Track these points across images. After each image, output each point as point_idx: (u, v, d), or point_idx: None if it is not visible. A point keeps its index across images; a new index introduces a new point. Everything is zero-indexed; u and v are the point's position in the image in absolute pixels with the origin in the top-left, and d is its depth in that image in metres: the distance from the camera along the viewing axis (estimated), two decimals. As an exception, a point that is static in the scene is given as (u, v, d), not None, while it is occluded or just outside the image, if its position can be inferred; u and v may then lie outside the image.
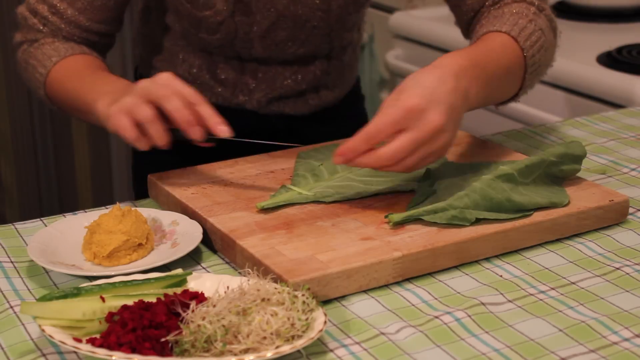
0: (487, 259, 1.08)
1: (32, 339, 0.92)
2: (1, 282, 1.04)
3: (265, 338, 0.86)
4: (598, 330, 0.93)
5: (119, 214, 1.06)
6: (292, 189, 1.17)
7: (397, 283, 1.03)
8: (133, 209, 1.08)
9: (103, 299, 0.91)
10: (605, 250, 1.10)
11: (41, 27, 1.35)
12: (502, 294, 1.00)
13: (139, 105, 1.12)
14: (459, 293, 1.00)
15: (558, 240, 1.12)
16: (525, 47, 1.25)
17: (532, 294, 1.00)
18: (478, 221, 1.09)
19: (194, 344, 0.86)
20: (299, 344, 0.86)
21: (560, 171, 1.19)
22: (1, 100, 2.63)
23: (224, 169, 1.26)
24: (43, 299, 0.91)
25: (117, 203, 1.10)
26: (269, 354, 0.85)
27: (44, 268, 1.06)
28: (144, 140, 1.13)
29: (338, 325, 0.94)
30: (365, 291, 1.01)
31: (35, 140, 2.70)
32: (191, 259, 1.08)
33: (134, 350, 0.85)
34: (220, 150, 1.24)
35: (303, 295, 0.91)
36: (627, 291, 1.01)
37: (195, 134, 1.13)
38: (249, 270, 0.96)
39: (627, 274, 1.04)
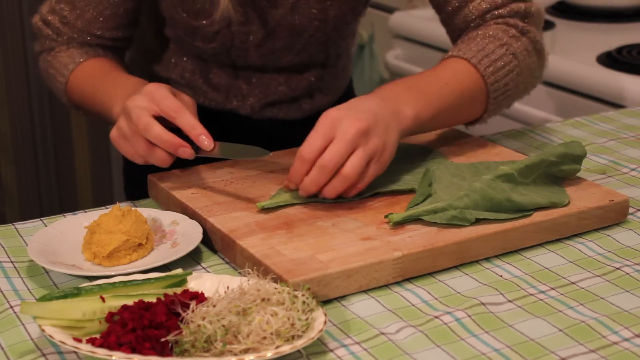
0: (487, 259, 1.08)
1: (32, 339, 0.92)
2: (1, 282, 1.04)
3: (265, 338, 0.86)
4: (598, 330, 0.93)
5: (119, 214, 1.06)
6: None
7: (397, 283, 1.03)
8: (133, 209, 1.08)
9: (103, 299, 0.91)
10: (605, 250, 1.10)
11: (55, 37, 1.37)
12: (502, 294, 1.00)
13: (134, 139, 1.14)
14: (459, 293, 1.01)
15: (558, 240, 1.12)
16: (486, 74, 1.27)
17: (532, 294, 1.00)
18: (478, 221, 1.09)
19: (194, 344, 0.86)
20: (299, 344, 0.86)
21: (560, 171, 1.19)
22: (1, 100, 2.63)
23: (224, 169, 1.26)
24: (43, 299, 0.91)
25: (117, 203, 1.11)
26: (269, 354, 0.85)
27: (44, 268, 1.06)
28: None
29: (338, 325, 0.94)
30: (365, 291, 1.01)
31: (35, 140, 2.70)
32: (191, 259, 1.08)
33: (134, 350, 0.85)
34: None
35: (303, 295, 0.91)
36: (627, 291, 1.01)
37: (184, 154, 1.14)
38: (249, 270, 0.96)
39: (627, 274, 1.04)
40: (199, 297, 0.92)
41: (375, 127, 1.12)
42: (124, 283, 0.96)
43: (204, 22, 1.34)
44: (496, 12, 1.33)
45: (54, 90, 1.40)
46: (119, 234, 1.04)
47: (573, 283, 1.02)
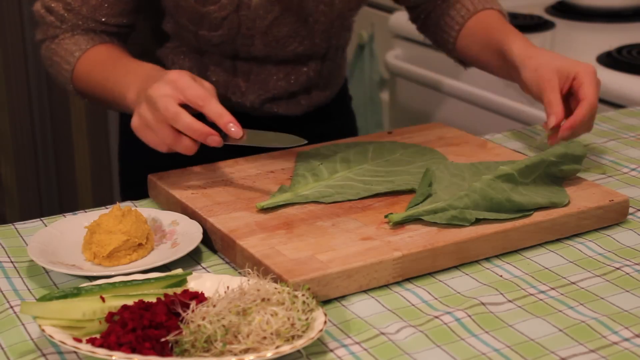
0: (487, 259, 1.08)
1: (32, 339, 0.92)
2: (1, 282, 1.04)
3: (265, 338, 0.86)
4: (598, 330, 0.93)
5: (119, 214, 1.06)
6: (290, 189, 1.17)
7: (397, 283, 1.03)
8: (133, 209, 1.08)
9: (103, 299, 0.91)
10: (605, 250, 1.10)
11: (59, 24, 1.35)
12: (502, 294, 1.00)
13: (159, 128, 1.13)
14: (459, 293, 1.00)
15: (558, 240, 1.12)
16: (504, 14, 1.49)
17: (532, 294, 1.00)
18: (478, 221, 1.09)
19: (194, 344, 0.86)
20: (299, 344, 0.86)
21: (560, 171, 1.19)
22: (1, 100, 2.63)
23: (224, 169, 1.26)
24: (43, 299, 0.91)
25: (117, 203, 1.11)
26: (269, 354, 0.85)
27: (44, 268, 1.06)
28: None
29: (338, 325, 0.94)
30: (365, 291, 1.01)
31: (35, 140, 2.70)
32: (191, 259, 1.08)
33: (134, 350, 0.85)
34: (220, 150, 1.24)
35: (303, 295, 0.91)
36: (627, 291, 1.01)
37: (213, 142, 1.14)
38: (249, 270, 0.96)
39: (627, 274, 1.04)
40: (199, 297, 0.92)
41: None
42: (124, 283, 0.96)
43: (212, 7, 1.34)
44: None
45: (58, 78, 1.38)
46: (119, 234, 1.04)
47: (573, 283, 1.02)
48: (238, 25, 1.37)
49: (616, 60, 2.00)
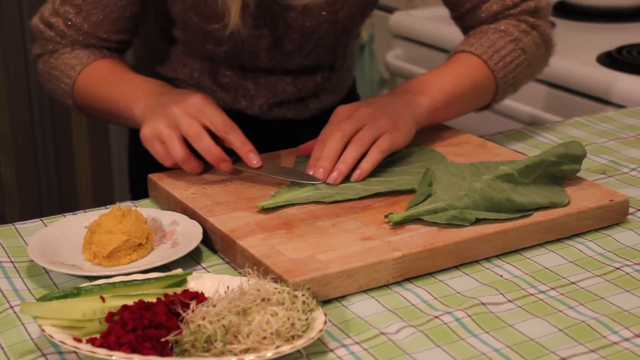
0: (487, 259, 1.08)
1: (32, 339, 0.92)
2: (1, 282, 1.04)
3: (265, 338, 0.86)
4: (598, 330, 0.93)
5: (119, 214, 1.06)
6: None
7: (397, 283, 1.03)
8: (133, 209, 1.08)
9: (103, 299, 0.91)
10: (605, 250, 1.10)
11: (59, 39, 1.35)
12: (502, 294, 1.00)
13: (171, 142, 1.17)
14: (459, 293, 1.00)
15: (558, 240, 1.12)
16: (495, 69, 1.36)
17: (532, 294, 1.00)
18: (478, 221, 1.09)
19: (194, 344, 0.86)
20: (299, 344, 0.86)
21: (560, 171, 1.19)
22: (1, 100, 2.63)
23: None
24: (43, 299, 0.91)
25: (117, 203, 1.10)
26: (269, 354, 0.85)
27: (44, 268, 1.06)
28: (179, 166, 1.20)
29: (338, 325, 0.94)
30: (365, 291, 1.01)
31: (35, 140, 2.70)
32: (191, 259, 1.08)
33: (134, 350, 0.85)
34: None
35: (303, 295, 0.91)
36: (627, 291, 1.01)
37: (224, 168, 1.19)
38: (249, 270, 0.96)
39: (627, 274, 1.04)
40: (199, 297, 0.92)
41: (383, 113, 1.23)
42: (124, 283, 0.96)
43: (216, 25, 1.34)
44: (507, 12, 1.40)
45: (57, 92, 1.37)
46: (119, 234, 1.04)
47: (573, 283, 1.02)
48: (242, 42, 1.37)
49: (616, 60, 2.00)
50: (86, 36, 1.34)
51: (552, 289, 1.01)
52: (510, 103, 2.04)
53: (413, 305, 0.98)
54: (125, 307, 0.90)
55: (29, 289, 1.02)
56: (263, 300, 0.89)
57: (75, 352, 0.90)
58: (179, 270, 0.99)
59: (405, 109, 1.27)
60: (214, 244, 1.11)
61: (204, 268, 1.07)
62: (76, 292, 0.93)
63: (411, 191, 1.18)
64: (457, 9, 1.43)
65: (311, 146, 1.25)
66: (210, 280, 0.98)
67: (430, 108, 1.30)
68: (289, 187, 1.19)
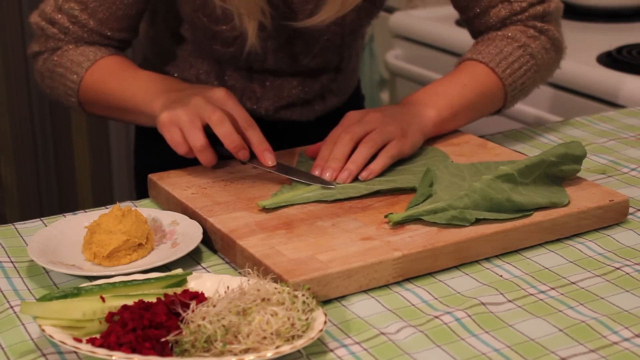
0: (487, 259, 1.08)
1: (32, 339, 0.92)
2: (1, 282, 1.04)
3: (265, 338, 0.86)
4: (598, 330, 0.93)
5: (119, 214, 1.06)
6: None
7: (397, 283, 1.03)
8: (133, 209, 1.08)
9: (103, 299, 0.91)
10: (605, 250, 1.10)
11: (63, 36, 1.34)
12: (502, 294, 1.00)
13: (192, 129, 1.17)
14: (459, 293, 1.01)
15: (558, 240, 1.12)
16: (503, 76, 1.37)
17: (532, 294, 1.00)
18: (478, 221, 1.09)
19: (194, 344, 0.86)
20: (299, 344, 0.86)
21: (560, 171, 1.19)
22: (1, 100, 2.63)
23: (224, 169, 1.26)
24: (43, 299, 0.91)
25: (117, 203, 1.10)
26: (269, 354, 0.85)
27: (44, 268, 1.06)
28: (192, 154, 1.20)
29: (338, 325, 0.94)
30: (365, 291, 1.01)
31: (35, 140, 2.70)
32: (191, 259, 1.08)
33: (134, 350, 0.85)
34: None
35: (303, 295, 0.91)
36: (627, 291, 1.01)
37: (242, 156, 1.20)
38: (249, 270, 0.96)
39: (627, 274, 1.04)
40: (199, 297, 0.92)
41: (391, 120, 1.25)
42: (124, 283, 0.96)
43: (224, 27, 1.34)
44: (515, 18, 1.40)
45: (59, 90, 1.36)
46: (119, 234, 1.04)
47: (573, 283, 1.02)
48: (250, 44, 1.37)
49: (616, 60, 2.00)
50: (91, 33, 1.33)
51: (552, 289, 1.01)
52: (510, 103, 2.04)
53: (413, 305, 0.98)
54: (125, 307, 0.90)
55: (29, 289, 1.02)
56: (263, 300, 0.89)
57: (75, 352, 0.90)
58: (179, 270, 0.99)
59: (413, 119, 1.29)
60: (214, 244, 1.11)
61: (204, 268, 1.07)
62: (76, 292, 0.93)
63: (412, 190, 1.18)
64: (466, 13, 1.44)
65: (318, 148, 1.25)
66: (210, 280, 0.98)
67: (437, 120, 1.32)
68: (290, 186, 1.19)
